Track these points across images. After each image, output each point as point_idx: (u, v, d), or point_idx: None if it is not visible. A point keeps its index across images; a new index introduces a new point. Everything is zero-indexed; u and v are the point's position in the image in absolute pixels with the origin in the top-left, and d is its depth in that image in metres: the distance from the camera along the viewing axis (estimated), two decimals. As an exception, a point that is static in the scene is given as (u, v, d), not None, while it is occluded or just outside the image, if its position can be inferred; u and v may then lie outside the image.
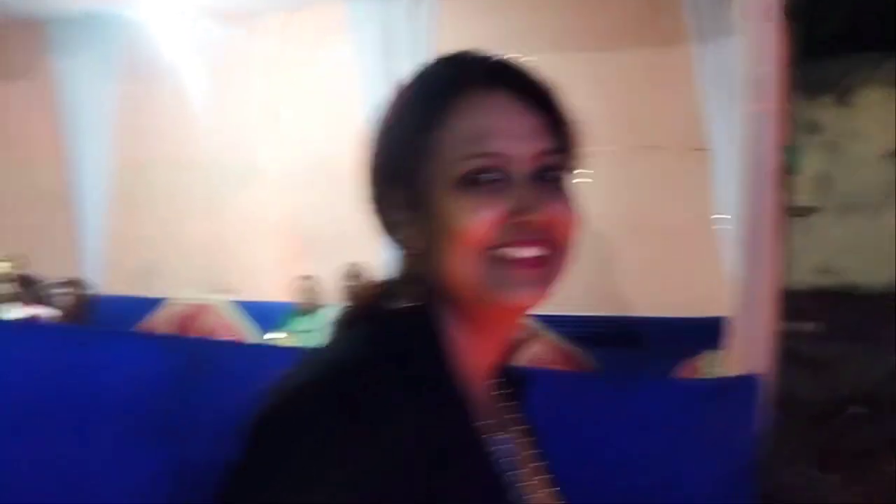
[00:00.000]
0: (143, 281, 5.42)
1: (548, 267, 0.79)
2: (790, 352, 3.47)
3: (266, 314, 4.97)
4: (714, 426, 2.10)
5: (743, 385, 2.22)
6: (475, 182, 0.77)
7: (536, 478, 0.88)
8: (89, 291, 4.94)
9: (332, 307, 4.71)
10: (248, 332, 4.94)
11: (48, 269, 5.12)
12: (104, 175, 5.57)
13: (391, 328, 0.80)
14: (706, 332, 2.95)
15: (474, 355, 0.83)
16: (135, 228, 5.55)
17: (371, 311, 0.83)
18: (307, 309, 4.87)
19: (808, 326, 3.72)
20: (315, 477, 0.69)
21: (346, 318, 0.84)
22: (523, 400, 0.94)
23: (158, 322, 4.58)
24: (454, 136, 0.78)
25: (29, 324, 4.33)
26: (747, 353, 2.28)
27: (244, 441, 0.72)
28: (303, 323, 4.83)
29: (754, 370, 2.27)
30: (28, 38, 5.62)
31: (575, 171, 0.83)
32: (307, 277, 4.93)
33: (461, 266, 0.78)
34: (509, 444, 0.86)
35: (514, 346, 0.94)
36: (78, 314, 4.71)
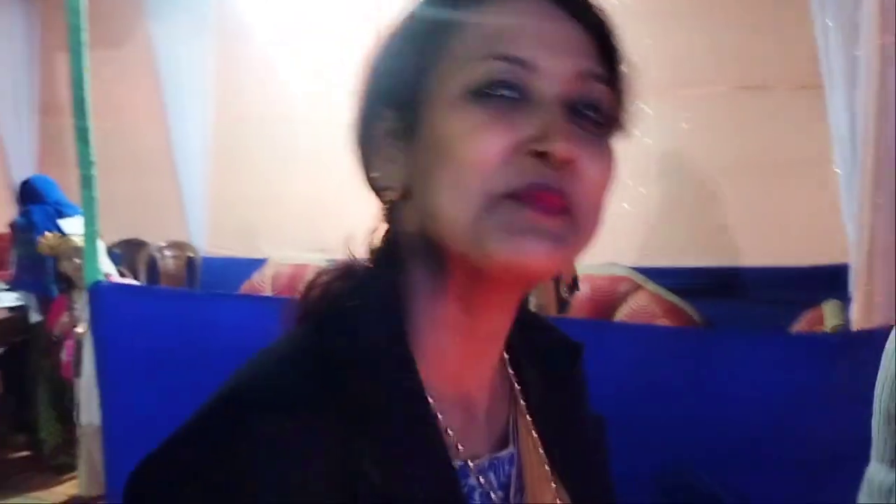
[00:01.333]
0: (246, 241, 5.52)
1: (568, 217, 0.58)
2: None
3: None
4: (841, 385, 1.95)
5: (873, 340, 2.06)
6: (486, 95, 0.58)
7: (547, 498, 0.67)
8: (194, 254, 5.07)
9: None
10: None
11: (157, 234, 5.28)
12: (205, 137, 5.67)
13: (346, 317, 0.62)
14: (825, 282, 2.77)
15: (463, 345, 0.63)
16: (236, 189, 5.64)
17: (331, 297, 0.65)
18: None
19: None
20: None
21: (305, 304, 0.66)
22: (566, 385, 0.73)
23: (259, 282, 4.66)
24: (470, 37, 0.60)
25: (150, 287, 4.52)
26: (876, 304, 2.11)
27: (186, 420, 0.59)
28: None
29: (885, 323, 2.10)
30: (124, 5, 5.73)
31: (621, 130, 0.63)
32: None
33: (453, 207, 0.57)
34: (507, 465, 0.66)
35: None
36: (183, 276, 4.85)
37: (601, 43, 0.63)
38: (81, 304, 3.79)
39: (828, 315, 2.58)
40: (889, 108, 2.24)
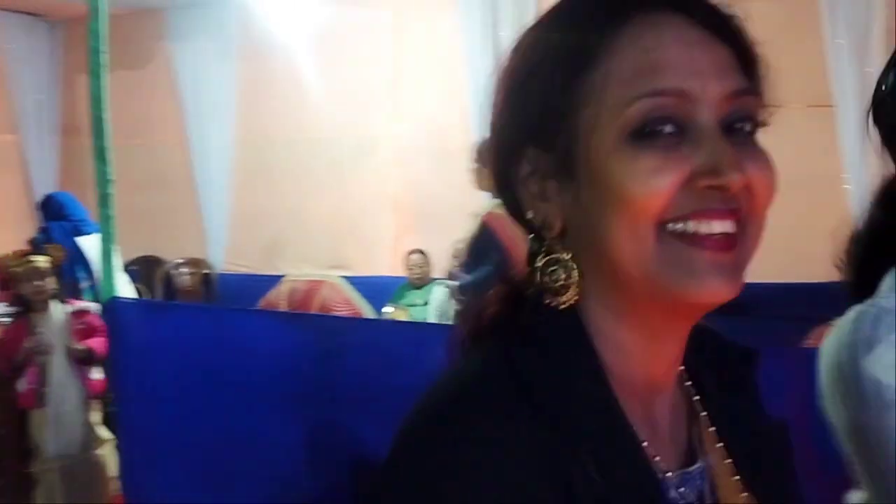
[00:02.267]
0: (265, 259, 5.59)
1: (741, 247, 0.60)
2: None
3: (380, 289, 5.05)
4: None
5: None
6: (648, 135, 0.58)
7: None
8: (210, 271, 5.13)
9: (443, 282, 4.74)
10: (362, 307, 5.04)
11: (175, 250, 5.35)
12: (225, 155, 5.76)
13: (533, 339, 0.62)
14: (836, 298, 2.79)
15: (646, 366, 0.64)
16: (256, 207, 5.72)
17: (510, 314, 0.65)
18: (417, 283, 4.91)
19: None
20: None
21: (480, 327, 0.66)
22: (745, 393, 0.73)
23: (275, 299, 4.71)
24: (616, 75, 0.59)
25: (170, 303, 4.55)
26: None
27: (392, 449, 0.61)
28: (413, 297, 4.87)
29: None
30: (147, 27, 5.85)
31: (765, 124, 0.64)
32: (418, 252, 4.96)
33: (628, 246, 0.59)
34: (699, 479, 0.67)
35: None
36: (199, 293, 4.88)
37: (741, 53, 0.62)
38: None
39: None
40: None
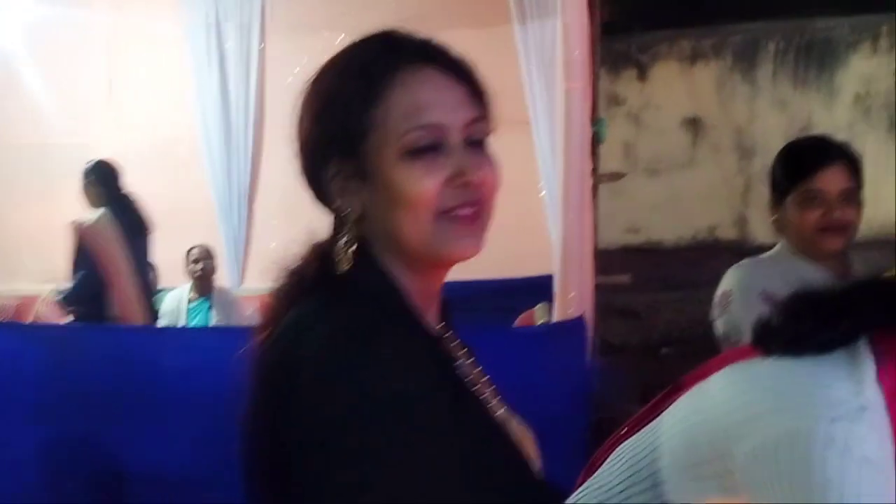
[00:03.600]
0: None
1: (481, 221, 0.90)
2: (607, 303, 3.88)
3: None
4: (549, 365, 2.41)
5: (570, 328, 2.55)
6: (418, 153, 0.86)
7: (488, 391, 1.01)
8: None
9: (171, 290, 4.71)
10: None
11: None
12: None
13: (360, 287, 0.89)
14: (535, 290, 3.28)
15: (422, 300, 0.93)
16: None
17: (324, 275, 0.90)
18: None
19: (622, 279, 4.16)
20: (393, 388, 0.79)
21: (301, 285, 0.91)
22: (454, 326, 1.06)
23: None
24: (394, 111, 0.86)
25: None
26: (574, 302, 2.60)
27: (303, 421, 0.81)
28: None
29: (577, 314, 2.60)
30: None
31: (490, 137, 0.93)
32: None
33: (412, 227, 0.87)
34: (464, 368, 0.98)
35: None
36: None
37: (475, 90, 0.91)
38: None
39: (538, 314, 3.10)
40: (573, 141, 2.73)
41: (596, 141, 3.50)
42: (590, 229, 2.78)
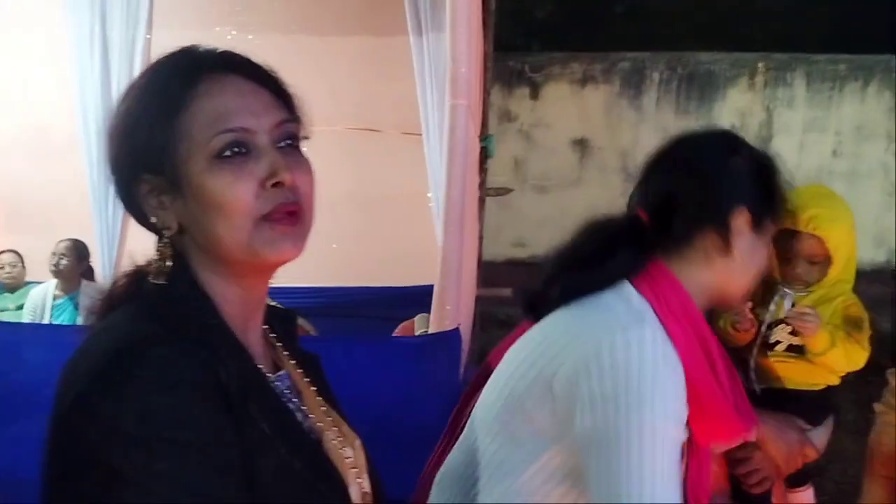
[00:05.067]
0: None
1: (301, 223, 0.90)
2: (489, 315, 3.92)
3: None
4: (423, 375, 2.42)
5: (445, 339, 2.57)
6: (227, 157, 0.85)
7: (317, 400, 1.01)
8: None
9: (39, 284, 4.49)
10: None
11: None
12: None
13: (167, 298, 0.88)
14: (419, 298, 3.28)
15: (243, 309, 0.93)
16: None
17: (136, 288, 0.90)
18: (11, 286, 4.57)
19: (505, 292, 4.22)
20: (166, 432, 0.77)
21: (111, 299, 0.91)
22: (292, 335, 1.07)
23: None
24: (198, 119, 0.86)
25: None
26: (450, 314, 2.62)
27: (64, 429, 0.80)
28: (6, 301, 4.54)
29: (452, 326, 2.62)
30: None
31: (305, 140, 0.94)
32: (11, 252, 4.63)
33: (230, 233, 0.86)
34: (287, 379, 0.98)
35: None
36: None
37: (280, 95, 0.92)
38: None
39: (418, 324, 3.12)
40: (457, 156, 2.77)
41: (485, 156, 3.54)
42: (474, 242, 2.81)
